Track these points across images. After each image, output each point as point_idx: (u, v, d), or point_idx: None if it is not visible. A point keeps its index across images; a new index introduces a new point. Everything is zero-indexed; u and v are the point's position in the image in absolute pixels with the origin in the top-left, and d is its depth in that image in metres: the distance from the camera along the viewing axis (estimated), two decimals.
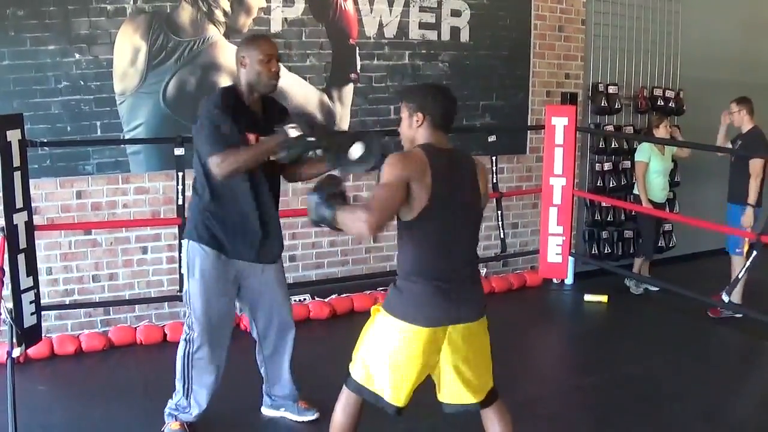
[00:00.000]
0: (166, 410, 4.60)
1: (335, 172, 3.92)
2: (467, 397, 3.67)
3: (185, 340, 4.44)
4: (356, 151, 3.99)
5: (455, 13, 7.63)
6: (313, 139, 4.00)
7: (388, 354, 3.51)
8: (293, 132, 3.98)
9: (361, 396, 3.67)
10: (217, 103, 4.08)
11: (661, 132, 7.83)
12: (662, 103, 8.87)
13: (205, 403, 4.52)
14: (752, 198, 7.21)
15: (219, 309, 4.37)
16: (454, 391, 3.67)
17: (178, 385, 4.51)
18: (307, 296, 7.07)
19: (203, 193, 4.26)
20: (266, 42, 4.26)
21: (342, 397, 3.73)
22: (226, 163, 3.97)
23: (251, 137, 4.13)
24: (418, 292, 3.47)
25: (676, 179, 8.94)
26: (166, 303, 6.52)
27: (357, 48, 7.18)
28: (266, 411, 4.90)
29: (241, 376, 5.15)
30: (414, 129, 3.57)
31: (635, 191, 7.95)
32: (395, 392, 3.57)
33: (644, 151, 7.74)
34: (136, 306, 6.53)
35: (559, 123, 7.63)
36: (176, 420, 4.55)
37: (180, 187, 6.02)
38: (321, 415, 4.65)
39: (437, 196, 3.41)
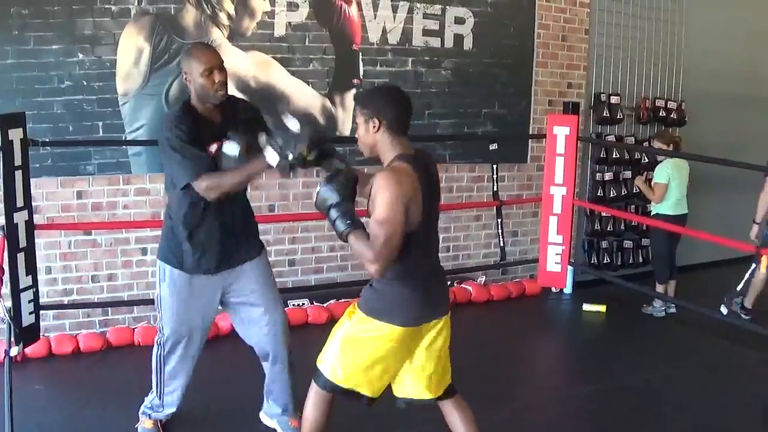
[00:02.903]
0: (141, 408, 4.67)
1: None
2: (424, 394, 3.80)
3: (157, 342, 4.46)
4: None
5: (459, 21, 7.64)
6: (290, 155, 3.81)
7: (369, 352, 3.62)
8: (231, 147, 3.92)
9: (332, 393, 3.75)
10: (176, 127, 3.95)
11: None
12: (664, 114, 8.87)
13: (177, 403, 4.59)
14: (759, 215, 7.42)
15: (189, 314, 4.34)
16: (412, 387, 3.79)
17: (153, 384, 4.57)
18: (306, 301, 7.07)
19: (174, 215, 4.21)
20: (205, 53, 4.04)
21: (311, 394, 3.80)
22: (213, 185, 3.91)
23: (212, 149, 4.02)
24: (400, 293, 3.57)
25: None
26: None
27: (360, 54, 7.19)
28: (263, 417, 4.86)
29: (232, 378, 5.18)
30: (371, 135, 3.55)
31: (653, 209, 7.77)
32: (372, 387, 3.68)
33: (663, 174, 7.56)
34: (135, 307, 6.53)
35: (561, 132, 7.64)
36: (150, 418, 4.63)
37: None
38: None
39: (425, 207, 3.49)
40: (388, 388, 3.80)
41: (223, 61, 4.05)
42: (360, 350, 3.63)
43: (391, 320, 3.54)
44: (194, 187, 3.94)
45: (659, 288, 7.70)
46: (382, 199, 3.34)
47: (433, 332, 3.68)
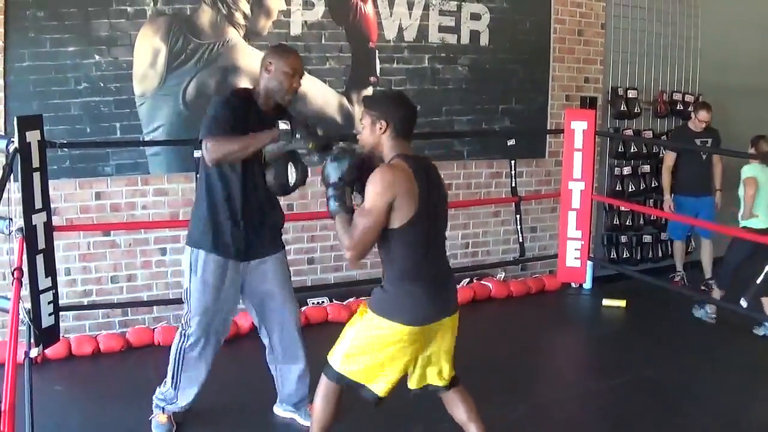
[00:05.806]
0: (154, 399, 4.70)
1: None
2: (437, 381, 3.92)
3: (181, 334, 4.51)
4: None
5: (475, 17, 7.62)
6: (298, 136, 4.07)
7: (378, 350, 3.71)
8: (283, 126, 4.06)
9: (341, 384, 3.83)
10: (224, 98, 4.20)
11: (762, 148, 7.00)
12: (681, 108, 8.83)
13: (192, 397, 4.62)
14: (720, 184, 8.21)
15: (217, 308, 4.42)
16: (423, 378, 3.92)
17: (168, 375, 4.60)
18: (326, 299, 7.06)
19: (201, 194, 4.33)
20: (296, 57, 4.30)
21: (321, 387, 3.89)
22: (217, 146, 3.99)
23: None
24: (408, 294, 3.66)
25: None
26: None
27: (377, 51, 7.18)
28: (277, 410, 4.92)
29: (250, 377, 5.19)
30: (377, 136, 3.70)
31: (742, 222, 7.04)
32: (381, 384, 3.78)
33: (749, 169, 6.93)
34: (154, 307, 6.55)
35: (579, 127, 7.60)
36: (163, 412, 4.66)
37: None
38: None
39: (422, 204, 3.58)
40: (400, 386, 3.84)
41: (304, 74, 4.33)
42: (369, 348, 3.72)
43: (399, 320, 3.62)
44: (203, 145, 4.05)
45: (716, 294, 7.15)
46: (370, 190, 3.54)
47: (442, 330, 3.78)
